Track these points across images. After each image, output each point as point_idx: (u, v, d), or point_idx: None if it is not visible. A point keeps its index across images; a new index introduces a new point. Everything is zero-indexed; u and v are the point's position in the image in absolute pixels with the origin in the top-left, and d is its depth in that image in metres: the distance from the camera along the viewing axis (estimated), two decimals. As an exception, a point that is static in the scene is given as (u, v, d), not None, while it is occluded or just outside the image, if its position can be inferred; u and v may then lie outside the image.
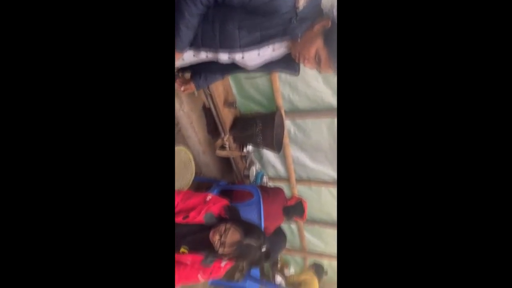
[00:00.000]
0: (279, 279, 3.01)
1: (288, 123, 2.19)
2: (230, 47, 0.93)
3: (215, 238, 1.09)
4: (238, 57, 0.98)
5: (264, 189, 1.89)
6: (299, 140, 2.27)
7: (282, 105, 2.05)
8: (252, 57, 0.98)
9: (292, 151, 2.36)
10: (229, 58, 0.99)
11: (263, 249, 1.12)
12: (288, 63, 1.03)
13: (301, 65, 1.00)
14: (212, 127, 2.14)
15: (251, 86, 2.05)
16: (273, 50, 0.99)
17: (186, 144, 2.09)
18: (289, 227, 3.23)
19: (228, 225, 1.10)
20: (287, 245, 3.35)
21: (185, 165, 1.75)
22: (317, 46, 0.87)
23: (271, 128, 1.93)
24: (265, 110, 2.15)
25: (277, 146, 2.00)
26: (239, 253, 1.07)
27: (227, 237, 1.07)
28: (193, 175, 1.79)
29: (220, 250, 1.08)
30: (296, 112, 2.11)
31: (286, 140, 2.23)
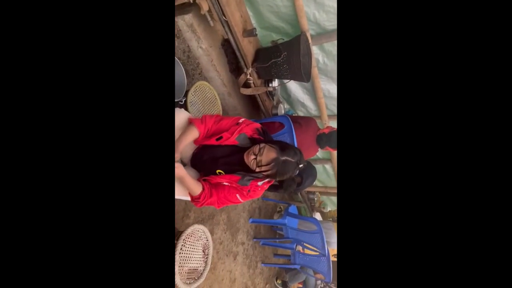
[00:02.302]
0: (317, 215, 3.08)
1: (315, 50, 1.98)
2: None
3: (250, 159, 1.06)
4: None
5: (295, 119, 1.80)
6: (329, 69, 2.07)
7: (308, 27, 1.83)
8: None
9: (322, 83, 2.18)
10: None
11: (301, 166, 1.08)
12: None
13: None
14: (234, 64, 2.02)
15: (271, 11, 1.84)
16: None
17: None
18: (324, 168, 3.19)
19: (262, 145, 1.06)
20: (323, 186, 3.35)
21: (211, 102, 1.70)
22: None
23: (296, 55, 1.75)
24: (288, 38, 1.95)
25: (306, 75, 1.84)
26: (277, 170, 1.04)
27: (262, 155, 1.03)
28: (220, 113, 1.74)
29: (257, 170, 1.05)
30: (323, 35, 1.88)
31: (314, 71, 2.04)
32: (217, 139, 1.11)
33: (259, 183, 1.13)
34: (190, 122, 1.15)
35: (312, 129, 1.79)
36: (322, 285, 3.11)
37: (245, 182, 1.10)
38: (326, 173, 3.22)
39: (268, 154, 1.03)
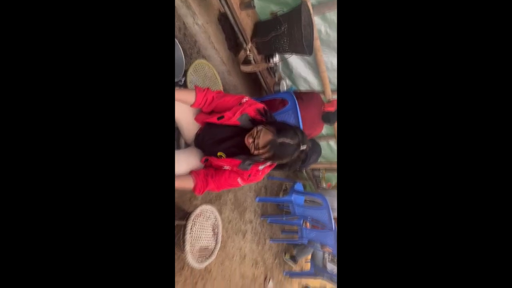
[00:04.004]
0: (324, 185, 3.10)
1: (317, 21, 1.89)
2: None
3: (249, 142, 1.04)
4: None
5: (298, 95, 1.75)
6: (332, 40, 1.98)
7: (308, -5, 1.73)
8: None
9: (325, 56, 2.10)
10: None
11: (303, 147, 1.05)
12: None
13: None
14: (233, 41, 1.94)
15: (268, -21, 1.73)
16: None
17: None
18: (328, 145, 3.17)
19: (259, 128, 1.03)
20: (328, 162, 3.35)
21: (211, 81, 1.65)
22: None
23: (298, 26, 1.67)
24: (288, 8, 1.85)
25: (308, 47, 1.76)
26: (274, 153, 1.01)
27: (259, 138, 1.01)
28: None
29: (255, 152, 1.03)
30: (325, 3, 1.78)
31: (316, 43, 1.96)
32: (219, 118, 1.08)
33: (260, 167, 1.11)
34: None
35: (316, 105, 1.74)
36: (329, 258, 3.20)
37: (245, 167, 1.08)
38: (331, 149, 3.20)
39: (264, 136, 1.01)
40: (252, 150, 1.03)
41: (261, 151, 1.02)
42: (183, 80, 1.42)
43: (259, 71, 2.02)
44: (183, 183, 1.05)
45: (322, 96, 2.39)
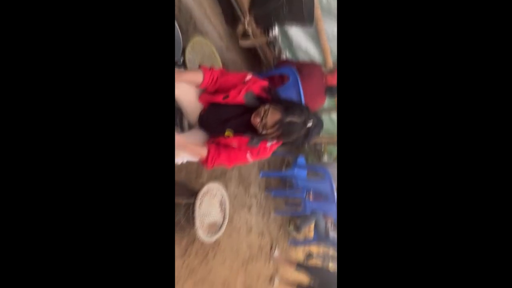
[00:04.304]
0: (325, 158, 3.15)
1: (317, -12, 1.79)
2: None
3: (257, 121, 1.04)
4: None
5: (298, 69, 1.71)
6: (333, 7, 1.89)
7: (308, -40, 1.62)
8: None
9: (326, 25, 2.02)
10: None
11: (309, 124, 1.05)
12: None
13: None
14: (230, 14, 1.86)
15: None
16: None
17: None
18: (330, 118, 3.16)
19: (267, 107, 1.03)
20: (330, 135, 3.37)
21: (210, 58, 1.61)
22: None
23: (297, -5, 1.59)
24: (286, -25, 1.74)
25: (309, 17, 1.69)
26: (282, 132, 1.03)
27: (267, 118, 1.01)
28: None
29: (264, 132, 1.04)
30: (326, -33, 1.67)
31: (317, 12, 1.87)
32: (224, 98, 1.08)
33: (268, 144, 1.13)
34: (199, 67, 1.11)
35: (316, 77, 1.71)
36: (332, 227, 3.34)
37: (254, 143, 1.10)
38: (332, 122, 3.20)
39: (272, 116, 1.01)
40: (261, 129, 1.04)
41: (269, 130, 1.03)
42: (181, 60, 1.39)
43: (258, 46, 1.96)
44: (196, 151, 1.06)
45: (323, 69, 2.34)
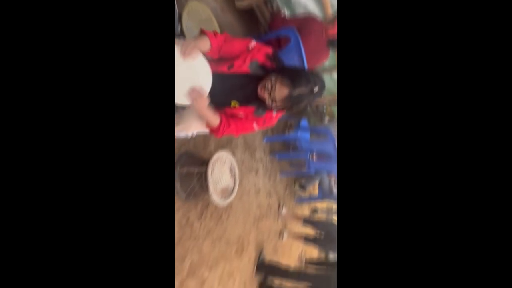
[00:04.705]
0: (326, 120, 3.18)
1: None
2: None
3: (265, 95, 1.04)
4: None
5: (297, 27, 1.63)
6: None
7: None
8: None
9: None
10: None
11: (316, 90, 1.06)
12: None
13: None
14: (222, -29, 1.73)
15: None
16: None
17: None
18: (331, 78, 3.10)
19: (273, 80, 1.02)
20: (332, 95, 3.34)
21: (207, 23, 1.55)
22: None
23: None
24: None
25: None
26: (291, 104, 1.04)
27: (275, 92, 1.01)
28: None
29: (273, 105, 1.05)
30: None
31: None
32: (229, 68, 1.07)
33: (274, 114, 1.14)
34: (201, 32, 1.06)
35: (315, 32, 1.64)
36: (335, 184, 3.51)
37: (260, 113, 1.12)
38: (334, 82, 3.15)
39: (280, 90, 1.01)
40: (269, 103, 1.05)
41: (278, 104, 1.04)
42: (178, 28, 1.35)
43: (256, 5, 1.86)
44: (211, 118, 1.08)
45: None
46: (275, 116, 1.17)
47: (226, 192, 1.58)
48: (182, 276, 1.49)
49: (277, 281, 2.33)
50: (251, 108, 1.12)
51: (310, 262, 2.62)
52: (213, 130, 1.13)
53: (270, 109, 1.12)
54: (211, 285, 1.74)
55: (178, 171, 1.47)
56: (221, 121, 1.10)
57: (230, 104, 1.15)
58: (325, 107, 3.33)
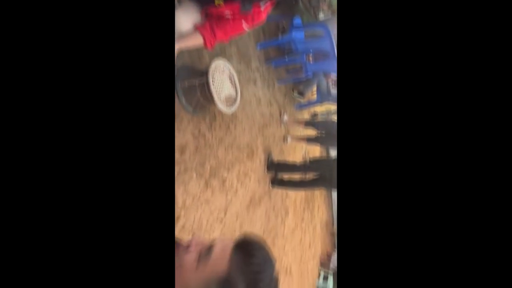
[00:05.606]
0: (321, 15, 2.97)
1: None
2: None
3: None
4: None
5: None
6: None
7: None
8: None
9: None
10: None
11: None
12: None
13: None
14: None
15: None
16: None
17: None
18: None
19: None
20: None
21: None
22: None
23: None
24: None
25: None
26: None
27: None
28: None
29: None
30: None
31: None
32: None
33: (262, 7, 1.07)
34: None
35: None
36: (333, 85, 3.53)
37: (247, 8, 1.05)
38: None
39: None
40: None
41: None
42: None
43: None
44: (192, 41, 1.09)
45: None
46: (264, 10, 1.11)
47: (230, 100, 1.63)
48: (206, 177, 1.71)
49: (286, 176, 2.67)
50: (236, 5, 1.05)
51: (313, 160, 2.91)
52: (204, 46, 1.12)
53: (256, 1, 1.05)
54: (232, 183, 2.01)
55: (179, 85, 1.49)
56: (204, 37, 1.08)
57: (214, 2, 1.07)
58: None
